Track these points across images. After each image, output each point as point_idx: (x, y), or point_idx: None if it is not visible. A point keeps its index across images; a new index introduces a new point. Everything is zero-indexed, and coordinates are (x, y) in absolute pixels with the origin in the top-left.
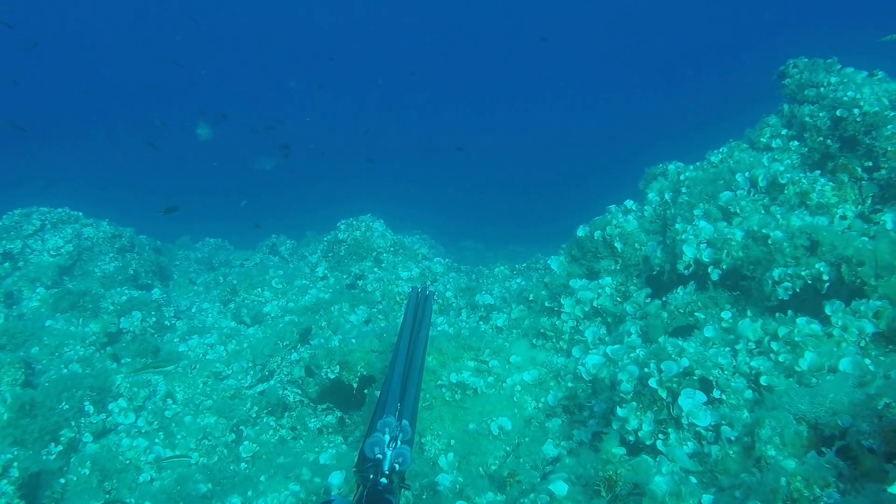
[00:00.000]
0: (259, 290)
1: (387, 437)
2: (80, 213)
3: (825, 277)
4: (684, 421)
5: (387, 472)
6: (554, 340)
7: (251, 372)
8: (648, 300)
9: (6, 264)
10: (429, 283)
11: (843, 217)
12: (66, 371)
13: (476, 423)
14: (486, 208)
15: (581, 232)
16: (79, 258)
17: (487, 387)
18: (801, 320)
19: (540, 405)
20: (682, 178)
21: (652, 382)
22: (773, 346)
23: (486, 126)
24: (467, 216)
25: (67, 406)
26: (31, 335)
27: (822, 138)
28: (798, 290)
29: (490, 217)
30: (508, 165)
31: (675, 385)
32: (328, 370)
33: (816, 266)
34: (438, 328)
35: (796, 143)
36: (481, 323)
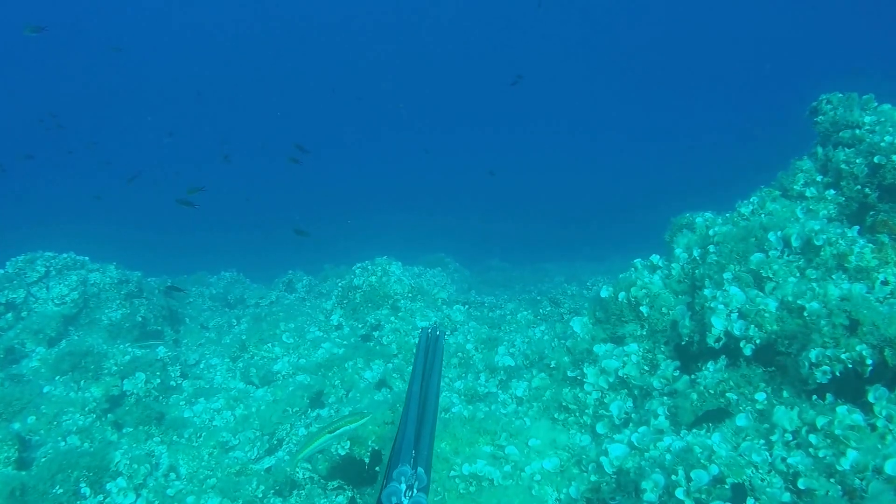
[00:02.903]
0: (269, 345)
1: (403, 486)
2: (87, 258)
3: (868, 362)
4: None
5: None
6: (577, 415)
7: (258, 442)
8: (677, 373)
9: (9, 315)
10: (448, 331)
11: (885, 283)
12: (63, 444)
13: None
14: (513, 222)
15: (605, 293)
16: (85, 305)
17: (504, 477)
18: (841, 409)
19: (561, 497)
20: (710, 232)
21: (679, 493)
22: (812, 438)
23: (516, 148)
24: (494, 231)
25: (62, 490)
26: (28, 402)
27: (859, 187)
28: (838, 374)
29: (517, 231)
30: (539, 184)
31: (704, 496)
32: (338, 446)
33: (857, 349)
34: (453, 410)
35: (832, 191)
36: (500, 392)
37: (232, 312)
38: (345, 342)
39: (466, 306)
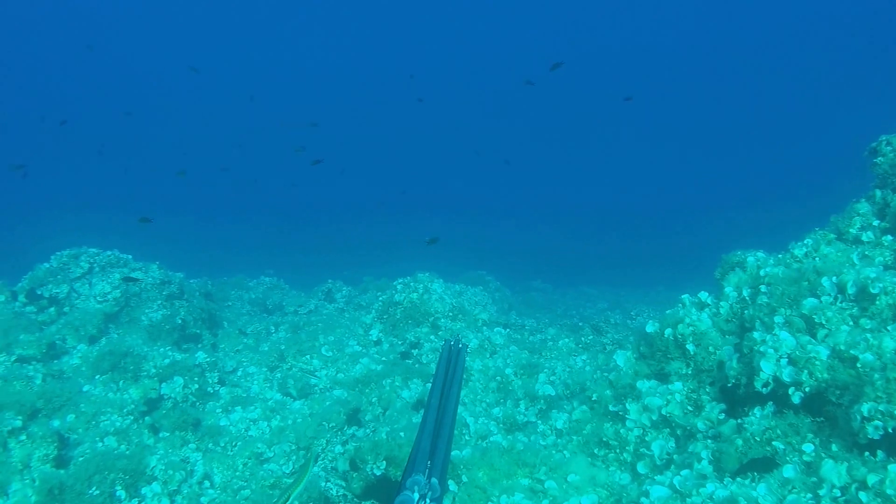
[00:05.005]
0: (308, 357)
1: (416, 496)
2: (130, 257)
3: None
4: None
5: None
6: (617, 451)
7: (294, 456)
8: (723, 416)
9: (51, 309)
10: (487, 353)
11: None
12: (100, 445)
13: None
14: (557, 241)
15: (650, 328)
16: (126, 304)
17: None
18: (893, 468)
19: None
20: (762, 273)
21: None
22: (862, 496)
23: (570, 168)
24: (538, 250)
25: (98, 491)
26: (67, 400)
27: None
28: (890, 430)
29: (561, 251)
30: (589, 207)
31: None
32: (374, 466)
33: None
34: (491, 438)
35: (890, 237)
36: (539, 422)
37: (270, 318)
38: (383, 359)
39: (507, 329)
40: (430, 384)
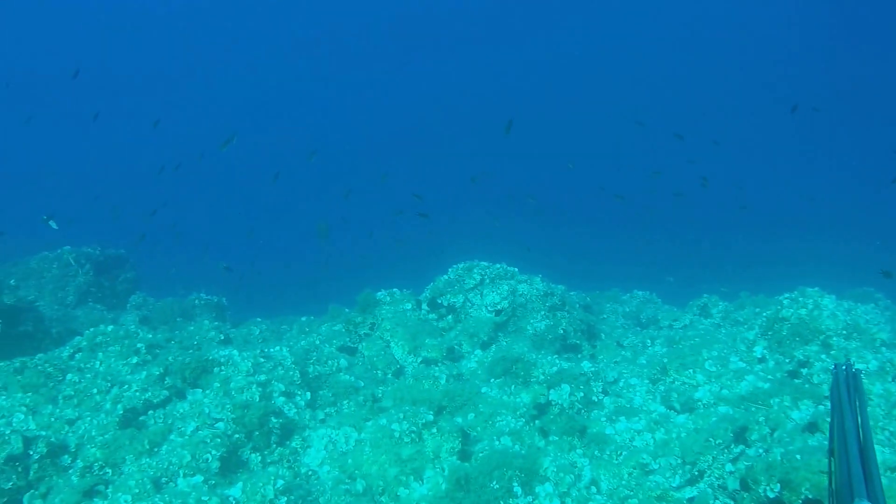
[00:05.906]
0: (690, 371)
1: None
2: (516, 269)
3: None
4: None
5: None
6: None
7: (679, 470)
8: None
9: (449, 317)
10: (889, 377)
11: None
12: (497, 443)
13: None
14: None
15: None
16: (513, 314)
17: None
18: None
19: None
20: None
21: None
22: None
23: None
24: None
25: (498, 485)
26: (467, 400)
27: None
28: None
29: None
30: None
31: None
32: (767, 488)
33: None
34: None
35: None
36: None
37: (645, 332)
38: (769, 377)
39: None
40: (821, 406)
